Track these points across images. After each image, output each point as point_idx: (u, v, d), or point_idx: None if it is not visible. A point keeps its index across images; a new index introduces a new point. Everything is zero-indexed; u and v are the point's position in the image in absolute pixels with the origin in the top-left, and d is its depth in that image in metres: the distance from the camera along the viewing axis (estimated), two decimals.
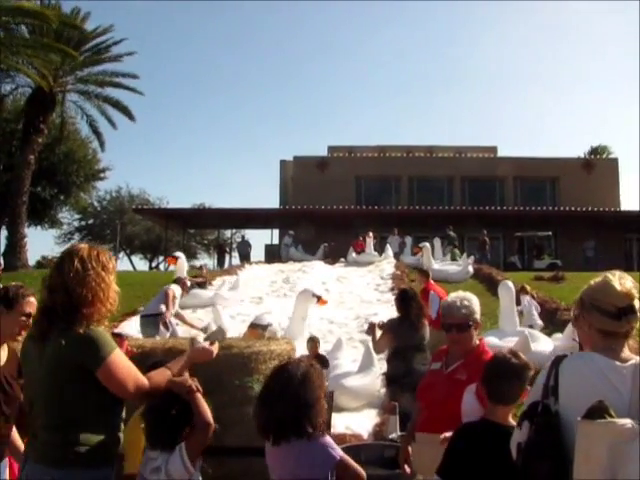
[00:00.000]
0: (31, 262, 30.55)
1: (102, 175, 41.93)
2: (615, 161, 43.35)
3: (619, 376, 2.49)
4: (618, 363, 2.52)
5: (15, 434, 3.80)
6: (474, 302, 3.96)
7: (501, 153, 45.46)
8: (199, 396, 3.18)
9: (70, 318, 2.90)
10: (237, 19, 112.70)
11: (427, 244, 22.09)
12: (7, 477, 3.65)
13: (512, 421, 3.20)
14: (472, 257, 22.76)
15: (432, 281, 11.31)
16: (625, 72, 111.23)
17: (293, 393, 3.13)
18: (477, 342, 3.95)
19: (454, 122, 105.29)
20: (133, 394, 2.97)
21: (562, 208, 36.67)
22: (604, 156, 48.09)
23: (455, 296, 4.08)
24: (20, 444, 3.77)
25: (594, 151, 50.96)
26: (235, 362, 5.94)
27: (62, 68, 27.41)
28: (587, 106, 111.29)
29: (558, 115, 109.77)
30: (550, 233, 34.10)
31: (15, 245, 26.99)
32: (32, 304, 3.64)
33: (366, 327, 8.61)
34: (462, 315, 3.89)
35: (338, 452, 3.15)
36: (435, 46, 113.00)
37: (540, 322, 12.69)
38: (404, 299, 7.25)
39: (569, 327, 9.45)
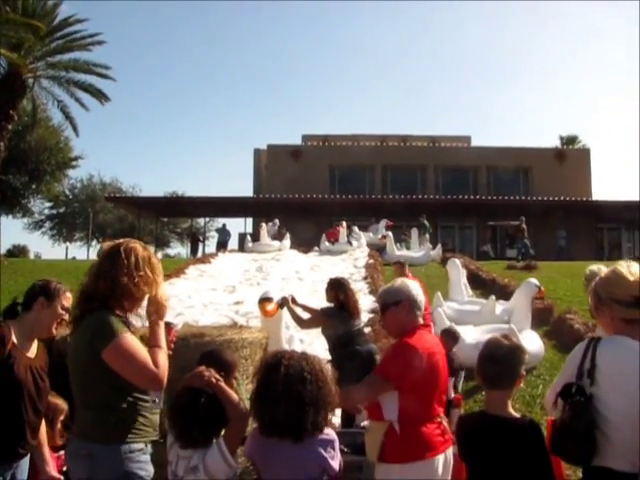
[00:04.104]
0: (1, 250, 30.19)
1: (74, 163, 41.54)
2: (587, 151, 43.72)
3: None
4: None
5: (43, 427, 3.84)
6: (392, 288, 3.94)
7: (475, 143, 45.75)
8: (223, 386, 3.07)
9: (106, 303, 3.10)
10: (212, 6, 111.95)
11: (390, 233, 23.77)
12: (25, 477, 3.66)
13: (512, 410, 3.19)
14: (439, 244, 24.14)
15: (409, 273, 11.30)
16: (600, 63, 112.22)
17: (299, 392, 2.95)
18: (409, 326, 3.80)
19: (428, 112, 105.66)
20: (139, 381, 3.03)
21: (535, 198, 36.92)
22: (576, 146, 48.46)
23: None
24: (44, 438, 3.86)
25: (566, 141, 51.24)
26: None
27: (33, 54, 26.98)
28: (561, 96, 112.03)
29: (532, 105, 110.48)
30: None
31: None
32: (69, 299, 3.70)
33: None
34: (379, 301, 4.02)
35: (337, 464, 3.04)
36: (410, 36, 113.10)
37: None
38: (340, 288, 7.24)
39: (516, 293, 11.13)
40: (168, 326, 3.50)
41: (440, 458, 3.55)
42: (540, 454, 2.96)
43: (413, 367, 3.52)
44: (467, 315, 10.82)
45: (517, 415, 3.20)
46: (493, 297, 11.56)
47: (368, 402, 3.76)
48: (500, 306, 11.50)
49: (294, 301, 7.62)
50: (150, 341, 3.17)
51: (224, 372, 3.29)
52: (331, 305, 7.27)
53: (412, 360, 3.55)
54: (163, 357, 3.09)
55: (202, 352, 3.65)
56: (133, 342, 3.03)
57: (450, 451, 3.65)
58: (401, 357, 3.60)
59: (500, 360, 3.15)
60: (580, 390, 2.73)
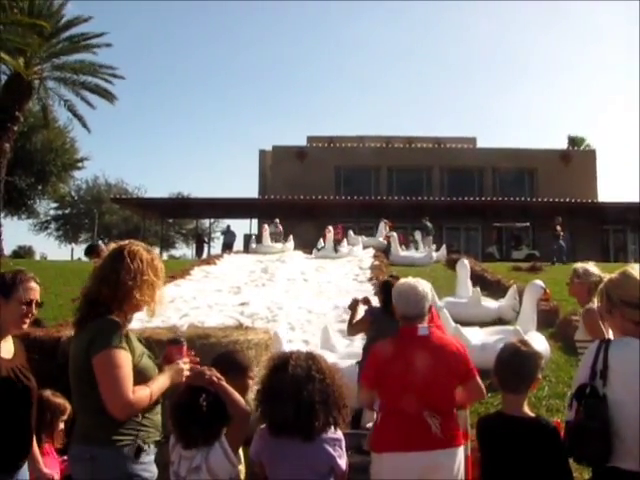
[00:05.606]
0: (7, 252, 30.24)
1: (80, 165, 41.63)
2: (592, 152, 43.63)
3: None
4: None
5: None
6: None
7: (480, 144, 45.65)
8: (225, 385, 3.05)
9: (108, 307, 3.06)
10: (217, 7, 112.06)
11: (394, 233, 23.65)
12: (27, 477, 3.52)
13: (528, 411, 3.27)
14: (444, 246, 23.96)
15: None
16: (605, 64, 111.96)
17: (308, 391, 2.98)
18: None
19: (433, 113, 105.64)
20: (109, 399, 2.89)
21: (540, 199, 36.83)
22: (582, 148, 48.32)
23: None
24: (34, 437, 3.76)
25: (572, 142, 51.09)
26: (213, 351, 5.91)
27: (38, 55, 26.99)
28: (566, 97, 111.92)
29: (537, 106, 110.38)
30: (528, 224, 34.26)
31: None
32: (33, 290, 3.43)
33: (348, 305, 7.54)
34: None
35: (344, 463, 3.06)
36: (415, 37, 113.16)
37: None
38: (386, 290, 7.11)
39: (511, 291, 12.21)
40: (179, 344, 3.34)
41: (412, 456, 3.60)
42: (557, 451, 3.01)
43: (371, 367, 3.96)
44: (456, 306, 11.46)
45: (532, 415, 3.28)
46: (477, 289, 12.59)
47: (367, 404, 4.27)
48: (497, 302, 12.29)
49: (366, 301, 7.29)
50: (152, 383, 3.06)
51: (235, 373, 3.30)
52: (375, 306, 7.16)
53: (370, 361, 4.04)
54: (145, 395, 2.94)
55: (217, 354, 3.69)
56: (123, 359, 2.93)
57: (438, 454, 3.64)
58: (365, 360, 4.26)
59: (518, 366, 3.27)
60: (594, 391, 2.76)
